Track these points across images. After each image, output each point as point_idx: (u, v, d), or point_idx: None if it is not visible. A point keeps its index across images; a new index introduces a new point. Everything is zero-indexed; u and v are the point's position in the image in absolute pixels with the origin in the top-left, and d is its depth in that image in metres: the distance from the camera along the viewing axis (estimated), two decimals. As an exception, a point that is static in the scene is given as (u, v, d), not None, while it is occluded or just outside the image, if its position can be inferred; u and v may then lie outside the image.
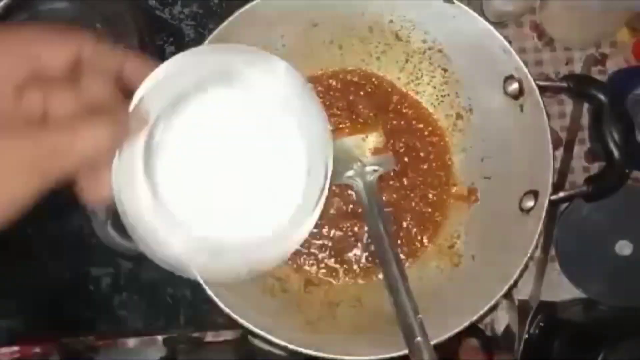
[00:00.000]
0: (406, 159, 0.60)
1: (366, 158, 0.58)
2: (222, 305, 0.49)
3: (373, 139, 0.59)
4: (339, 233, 0.59)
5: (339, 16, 0.58)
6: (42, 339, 0.59)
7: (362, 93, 0.61)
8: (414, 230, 0.59)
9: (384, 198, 0.59)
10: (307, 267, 0.59)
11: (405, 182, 0.60)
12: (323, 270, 0.59)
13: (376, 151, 0.59)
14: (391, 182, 0.60)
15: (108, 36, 0.61)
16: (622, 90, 0.62)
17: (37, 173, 0.29)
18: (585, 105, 0.66)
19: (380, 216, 0.54)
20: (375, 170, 0.58)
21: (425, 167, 0.60)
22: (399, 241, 0.59)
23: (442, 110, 0.61)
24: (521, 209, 0.54)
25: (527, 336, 0.62)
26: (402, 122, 0.61)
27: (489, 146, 0.58)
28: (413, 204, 0.60)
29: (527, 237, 0.51)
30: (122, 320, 0.61)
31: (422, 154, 0.60)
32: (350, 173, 0.57)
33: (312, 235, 0.59)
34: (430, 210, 0.60)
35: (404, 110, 0.61)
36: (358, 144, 0.59)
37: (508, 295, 0.61)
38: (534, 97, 0.53)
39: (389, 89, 0.61)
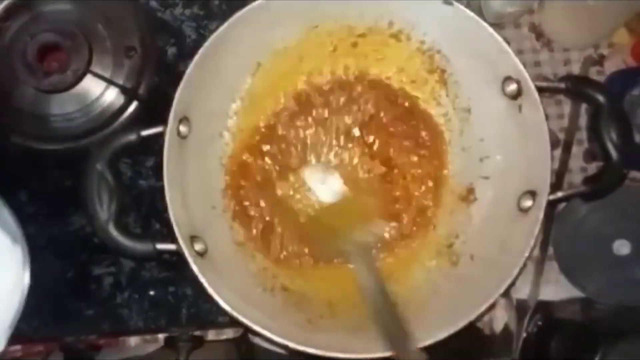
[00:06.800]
0: (405, 160, 0.60)
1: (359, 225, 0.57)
2: (223, 304, 0.49)
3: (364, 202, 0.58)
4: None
5: (338, 17, 0.58)
6: (44, 337, 0.60)
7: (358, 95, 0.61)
8: (413, 229, 0.60)
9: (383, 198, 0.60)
10: (307, 268, 0.59)
11: (404, 183, 0.60)
12: (323, 270, 0.59)
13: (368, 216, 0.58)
14: (389, 183, 0.60)
15: (109, 37, 0.62)
16: (620, 91, 0.62)
17: None
18: (584, 106, 0.66)
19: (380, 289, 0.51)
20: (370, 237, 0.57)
21: (424, 167, 0.60)
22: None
23: (441, 111, 0.61)
24: (519, 209, 0.54)
25: (525, 335, 0.62)
26: (401, 123, 0.61)
27: (488, 146, 0.59)
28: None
29: (525, 237, 0.52)
30: (123, 319, 0.61)
31: (421, 154, 0.60)
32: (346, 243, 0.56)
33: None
34: (428, 210, 0.60)
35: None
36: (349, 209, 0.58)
37: (506, 294, 0.61)
38: (532, 98, 0.53)
39: (388, 90, 0.61)
